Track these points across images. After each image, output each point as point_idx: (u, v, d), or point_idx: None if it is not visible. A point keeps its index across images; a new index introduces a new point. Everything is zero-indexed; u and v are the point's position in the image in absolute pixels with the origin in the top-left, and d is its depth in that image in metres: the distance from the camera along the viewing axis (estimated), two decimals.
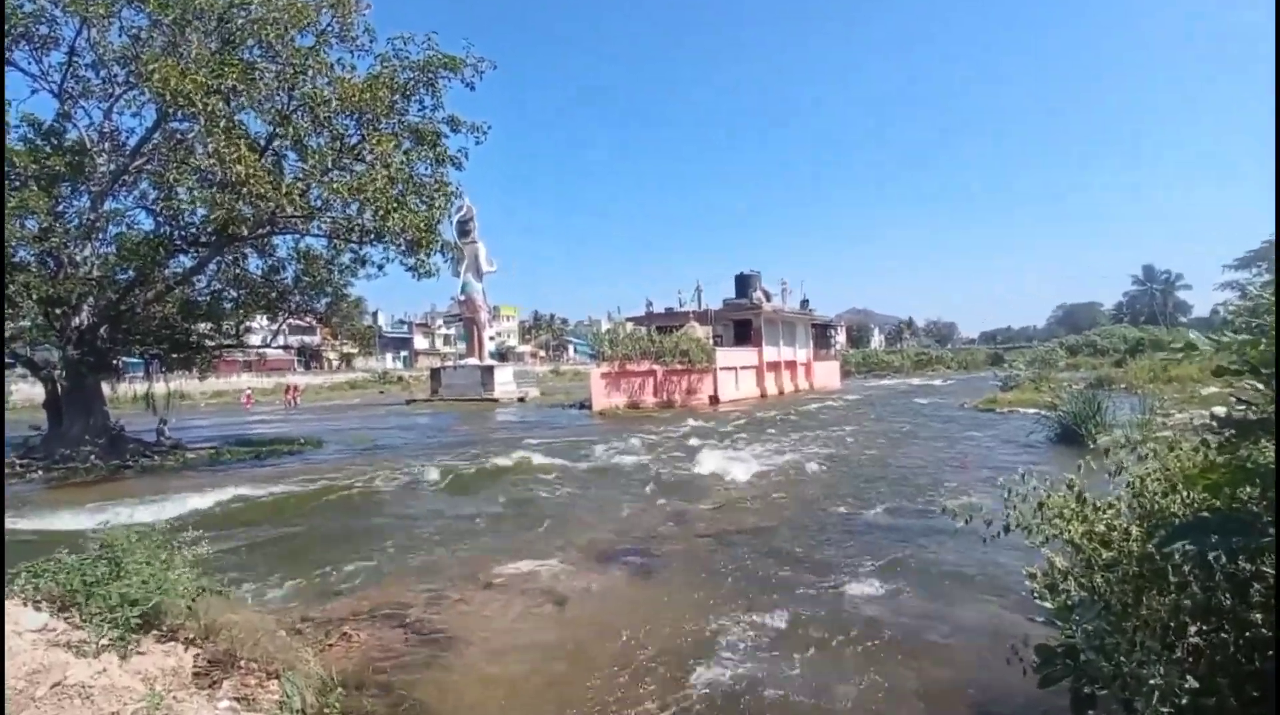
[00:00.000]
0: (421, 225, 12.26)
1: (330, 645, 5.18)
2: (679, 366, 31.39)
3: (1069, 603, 2.81)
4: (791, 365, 42.38)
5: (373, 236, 12.85)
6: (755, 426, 20.81)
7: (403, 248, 13.04)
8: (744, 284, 41.52)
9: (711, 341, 34.79)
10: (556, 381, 72.35)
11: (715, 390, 32.68)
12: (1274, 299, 2.32)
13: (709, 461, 13.46)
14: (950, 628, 5.26)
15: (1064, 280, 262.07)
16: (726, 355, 34.72)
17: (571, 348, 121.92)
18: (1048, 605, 2.90)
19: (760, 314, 38.44)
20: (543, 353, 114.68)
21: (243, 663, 4.14)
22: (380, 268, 14.91)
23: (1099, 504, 3.08)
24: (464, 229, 40.73)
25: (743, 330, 39.27)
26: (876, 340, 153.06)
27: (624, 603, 6.10)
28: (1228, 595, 2.33)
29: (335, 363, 66.34)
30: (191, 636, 4.22)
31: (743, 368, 36.31)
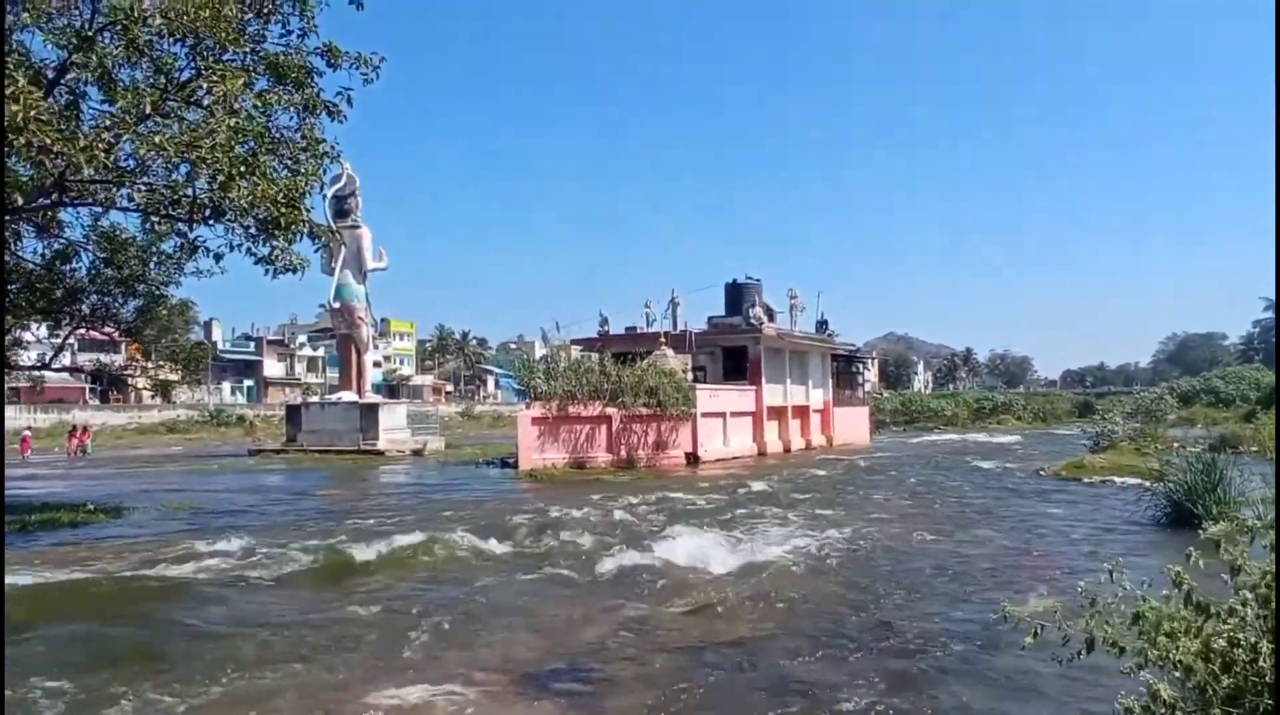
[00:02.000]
0: (280, 198, 12.11)
1: None
2: (643, 411, 31.44)
3: None
4: (802, 412, 42.80)
5: (209, 212, 12.66)
6: (749, 499, 20.89)
7: (252, 230, 12.88)
8: (737, 297, 41.93)
9: (690, 377, 34.98)
10: (469, 427, 71.96)
11: (695, 445, 32.80)
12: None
13: (682, 547, 13.41)
14: None
15: (1176, 303, 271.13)
16: (711, 396, 34.93)
17: (492, 381, 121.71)
18: None
19: (760, 339, 38.83)
20: (450, 387, 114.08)
21: None
22: (218, 259, 14.61)
23: (1218, 611, 3.13)
24: (342, 208, 40.63)
25: (735, 361, 39.58)
26: (921, 379, 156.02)
27: None
28: None
29: (147, 395, 65.02)
30: None
31: (734, 414, 36.56)
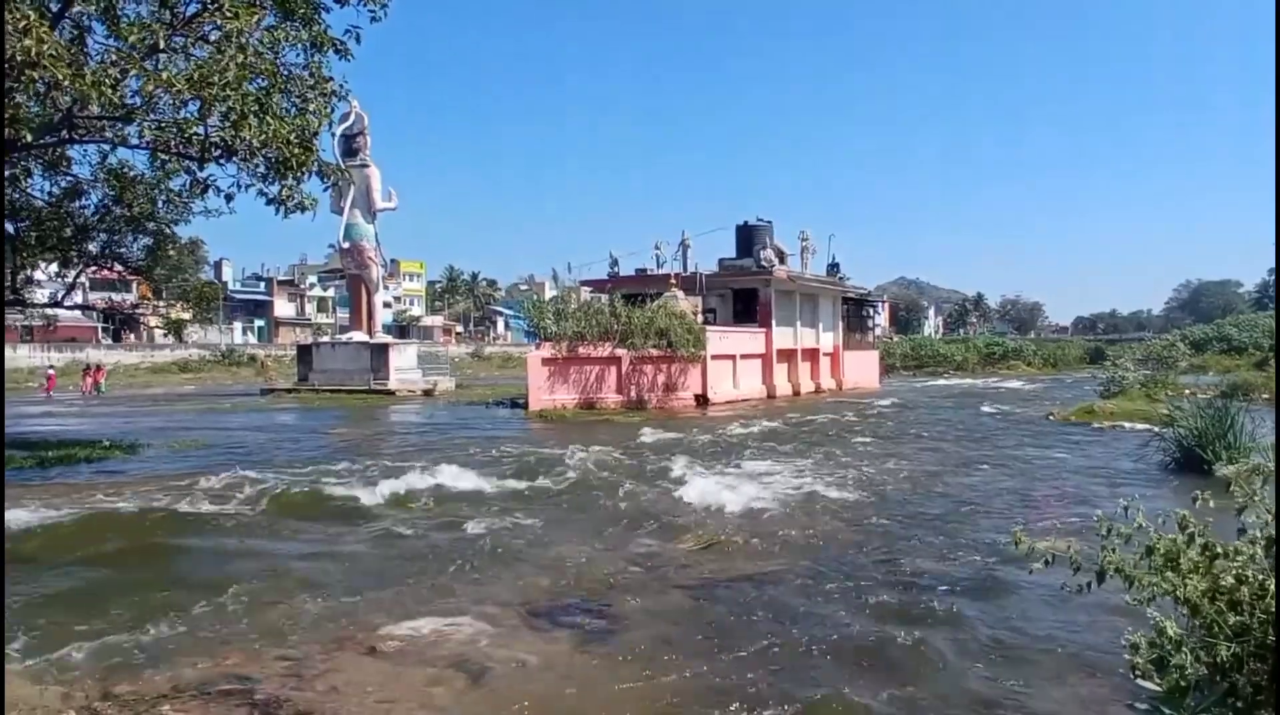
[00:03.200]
0: (291, 137, 12.05)
1: None
2: (653, 352, 31.49)
3: (1183, 683, 2.89)
4: (812, 355, 42.83)
5: (219, 151, 12.60)
6: (759, 439, 21.04)
7: (262, 169, 12.83)
8: (748, 238, 41.70)
9: (701, 318, 34.98)
10: (479, 368, 72.31)
11: (704, 387, 32.90)
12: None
13: (691, 486, 13.59)
14: None
15: (1190, 249, 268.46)
16: (721, 338, 34.95)
17: (502, 322, 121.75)
18: (1154, 686, 2.97)
19: (770, 281, 38.72)
20: (460, 328, 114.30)
21: None
22: (229, 198, 14.55)
23: (1226, 550, 3.16)
24: (351, 146, 40.42)
25: (745, 303, 39.53)
26: (932, 324, 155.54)
27: (567, 681, 6.13)
28: None
29: (159, 334, 65.34)
30: None
31: (744, 356, 36.60)
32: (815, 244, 44.64)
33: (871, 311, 54.48)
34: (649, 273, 40.67)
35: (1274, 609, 2.85)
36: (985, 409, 31.63)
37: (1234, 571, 3.04)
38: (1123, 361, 35.16)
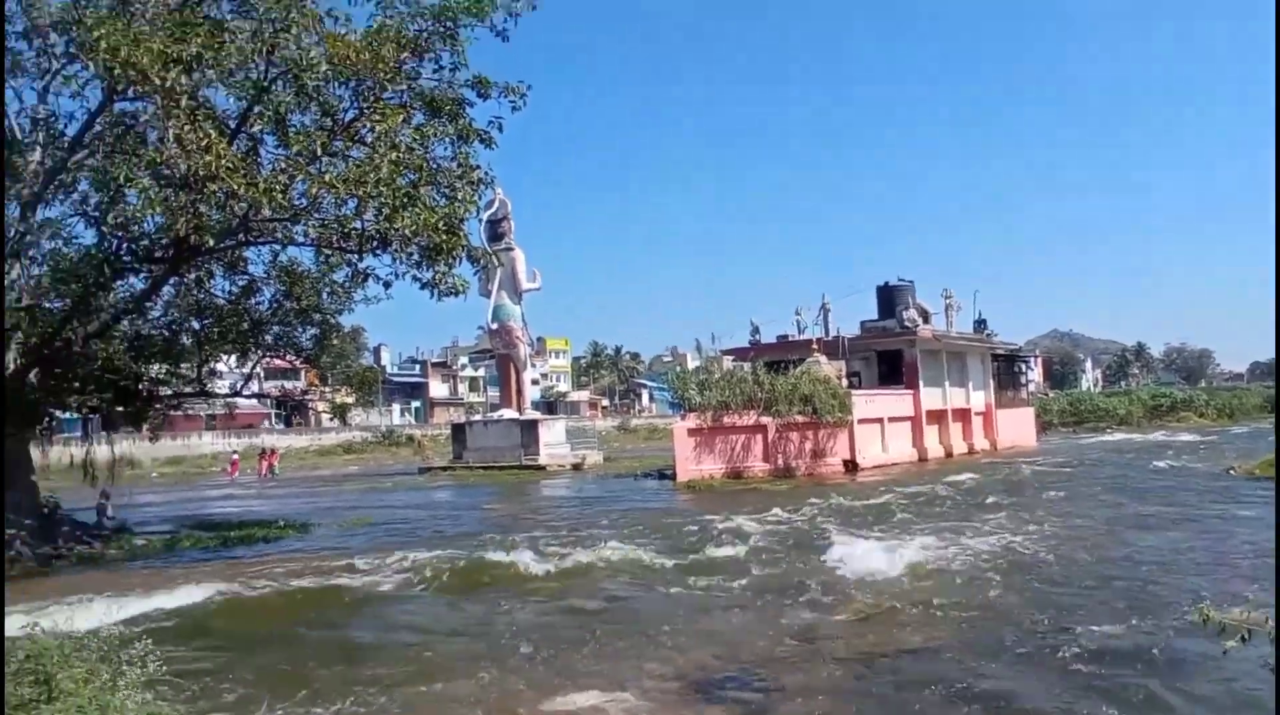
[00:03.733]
0: (440, 225, 12.68)
1: None
2: (799, 419, 31.06)
3: None
4: (963, 415, 41.34)
5: (376, 243, 13.36)
6: (911, 504, 20.36)
7: (415, 257, 13.51)
8: (889, 299, 40.96)
9: (845, 382, 34.37)
10: (626, 441, 72.79)
11: (852, 452, 32.16)
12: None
13: (846, 555, 13.25)
14: None
15: None
16: (867, 402, 34.21)
17: (646, 394, 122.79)
18: None
19: (915, 341, 37.77)
20: (605, 402, 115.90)
21: None
22: (386, 286, 15.40)
23: None
24: (496, 231, 41.96)
25: (890, 365, 38.65)
26: (1089, 377, 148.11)
27: None
28: None
29: (325, 418, 68.82)
30: None
31: (891, 419, 35.66)
32: (959, 301, 43.37)
33: (1023, 367, 52.34)
34: (790, 339, 40.37)
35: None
36: (1157, 464, 29.71)
37: None
38: None
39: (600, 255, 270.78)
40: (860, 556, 13.03)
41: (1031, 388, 57.01)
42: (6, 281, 15.44)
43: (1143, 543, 14.13)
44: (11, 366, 15.88)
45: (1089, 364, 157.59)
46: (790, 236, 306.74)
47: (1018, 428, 46.37)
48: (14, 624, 7.63)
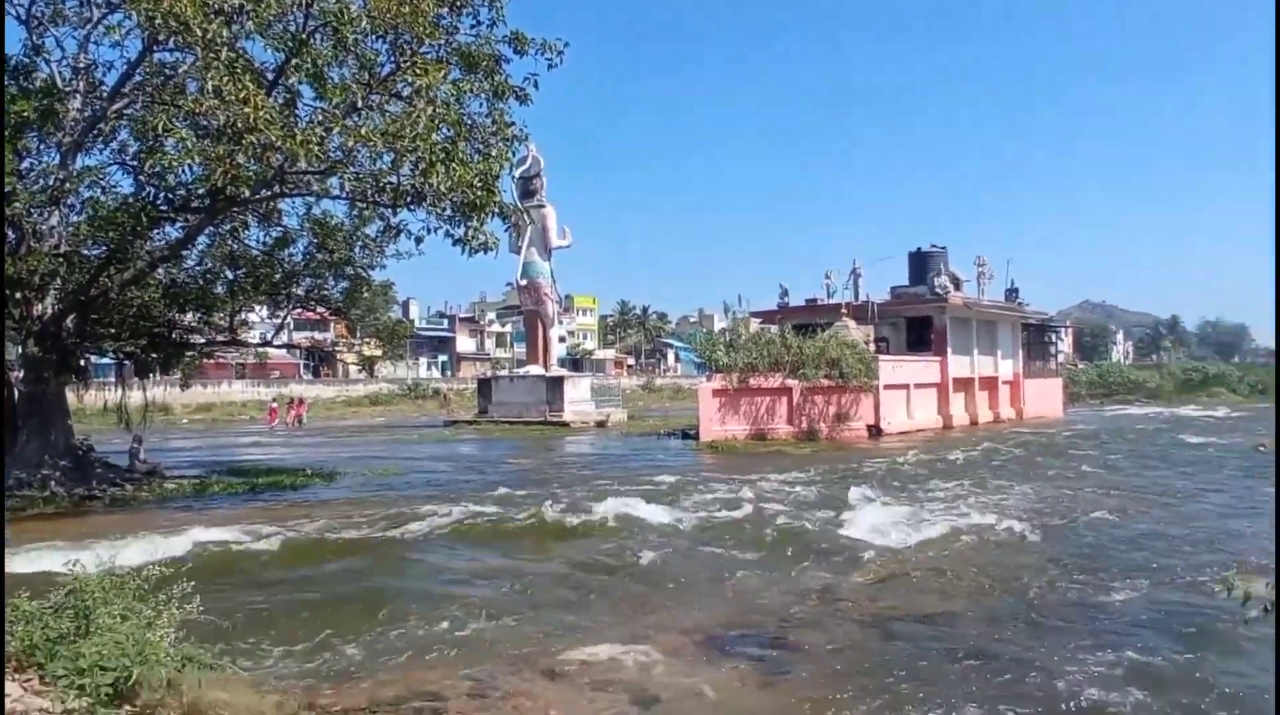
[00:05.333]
0: (476, 182, 12.70)
1: None
2: (825, 383, 31.07)
3: None
4: (990, 383, 41.14)
5: (410, 198, 13.44)
6: (933, 470, 20.40)
7: (449, 212, 13.58)
8: (922, 265, 40.66)
9: (873, 347, 34.27)
10: (650, 400, 73.05)
11: (877, 417, 32.15)
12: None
13: (866, 518, 13.35)
14: None
15: None
16: (894, 368, 34.13)
17: (672, 354, 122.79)
18: None
19: (945, 309, 37.54)
20: (632, 361, 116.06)
21: None
22: (419, 241, 15.54)
23: None
24: (528, 188, 41.90)
25: (919, 332, 38.47)
26: (1120, 350, 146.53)
27: (741, 713, 6.15)
28: None
29: (354, 370, 69.40)
30: None
31: (918, 386, 35.58)
32: (992, 269, 42.96)
33: (1053, 337, 51.89)
34: (819, 302, 40.22)
35: None
36: (1186, 439, 29.53)
37: None
38: None
39: (632, 215, 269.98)
40: (880, 521, 13.14)
41: (1061, 358, 56.49)
42: (46, 227, 15.70)
43: (1167, 514, 14.12)
44: (49, 312, 16.19)
45: (1120, 336, 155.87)
46: (826, 201, 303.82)
47: (1045, 398, 46.09)
48: (56, 560, 7.90)
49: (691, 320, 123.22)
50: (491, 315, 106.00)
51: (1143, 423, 40.08)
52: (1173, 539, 12.15)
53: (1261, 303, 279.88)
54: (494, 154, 13.73)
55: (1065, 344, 64.22)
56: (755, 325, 37.83)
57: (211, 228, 17.24)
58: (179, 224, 16.38)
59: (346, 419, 51.69)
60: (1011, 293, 44.70)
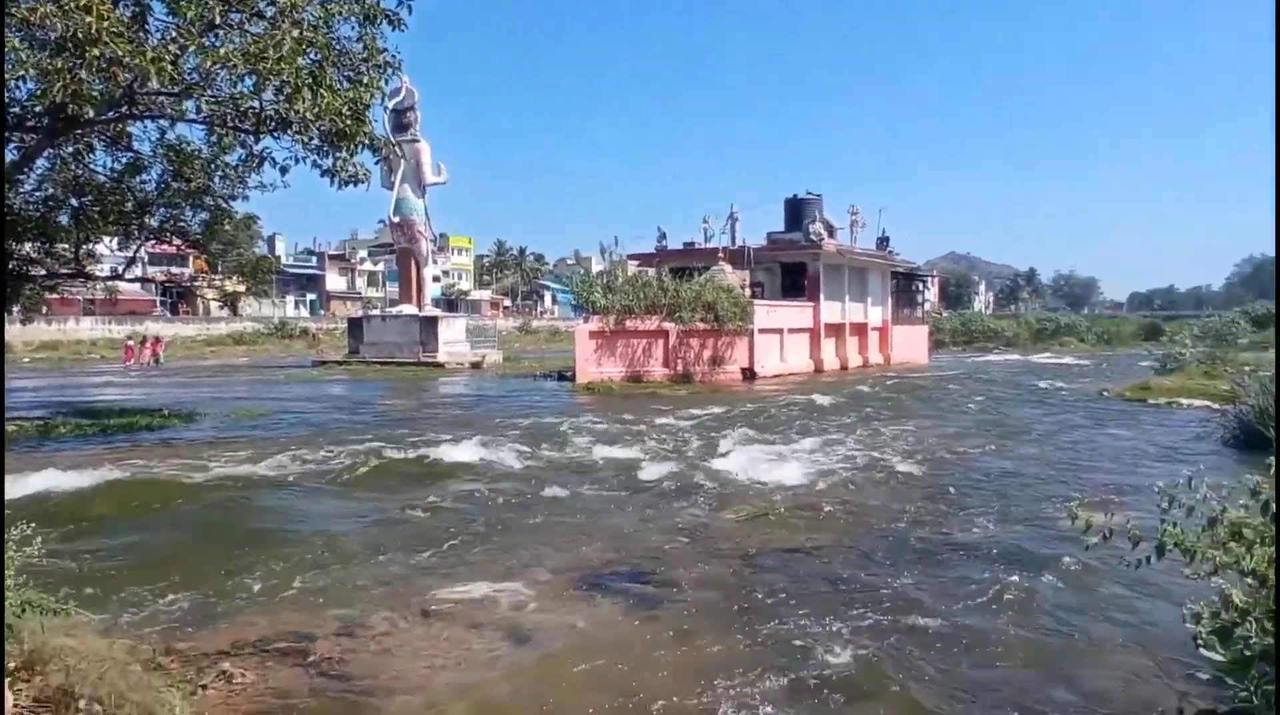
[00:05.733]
0: (345, 110, 12.18)
1: (205, 687, 5.30)
2: (701, 326, 31.46)
3: (1247, 653, 2.86)
4: (860, 329, 42.46)
5: (274, 125, 12.78)
6: (806, 412, 20.96)
7: (316, 142, 13.00)
8: (797, 212, 41.36)
9: (748, 292, 34.82)
10: (527, 342, 72.73)
11: (751, 361, 32.80)
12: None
13: (738, 459, 13.61)
14: (1077, 690, 5.36)
15: (1252, 223, 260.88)
16: (769, 312, 34.77)
17: (550, 296, 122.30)
18: (1217, 657, 2.95)
19: (819, 255, 38.38)
20: (508, 303, 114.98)
21: (82, 704, 4.23)
22: (284, 171, 14.77)
23: None
24: (401, 121, 40.61)
25: (793, 277, 39.25)
26: (982, 299, 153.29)
27: (617, 646, 6.21)
28: None
29: (215, 307, 66.58)
30: (13, 666, 4.31)
31: (791, 331, 36.40)
32: (865, 218, 44.11)
33: (921, 286, 53.78)
34: (696, 246, 40.50)
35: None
36: (1038, 384, 31.18)
37: None
38: (1180, 338, 34.40)
39: (510, 155, 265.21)
40: (752, 461, 13.42)
41: (927, 306, 58.63)
42: None
43: (1020, 456, 14.86)
44: None
45: (983, 287, 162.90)
46: (703, 148, 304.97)
47: (912, 344, 47.90)
48: None
49: (569, 262, 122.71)
50: (363, 253, 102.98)
51: (1001, 369, 42.19)
52: (1028, 475, 12.82)
53: (1107, 258, 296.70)
54: (365, 82, 13.14)
55: (932, 293, 66.49)
56: (632, 268, 37.89)
57: (51, 150, 16.00)
58: (13, 145, 15.17)
59: (207, 358, 49.67)
60: (883, 241, 45.98)
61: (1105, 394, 25.94)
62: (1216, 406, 16.73)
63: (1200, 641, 3.12)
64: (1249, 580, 2.97)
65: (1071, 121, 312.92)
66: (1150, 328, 77.58)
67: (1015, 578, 7.55)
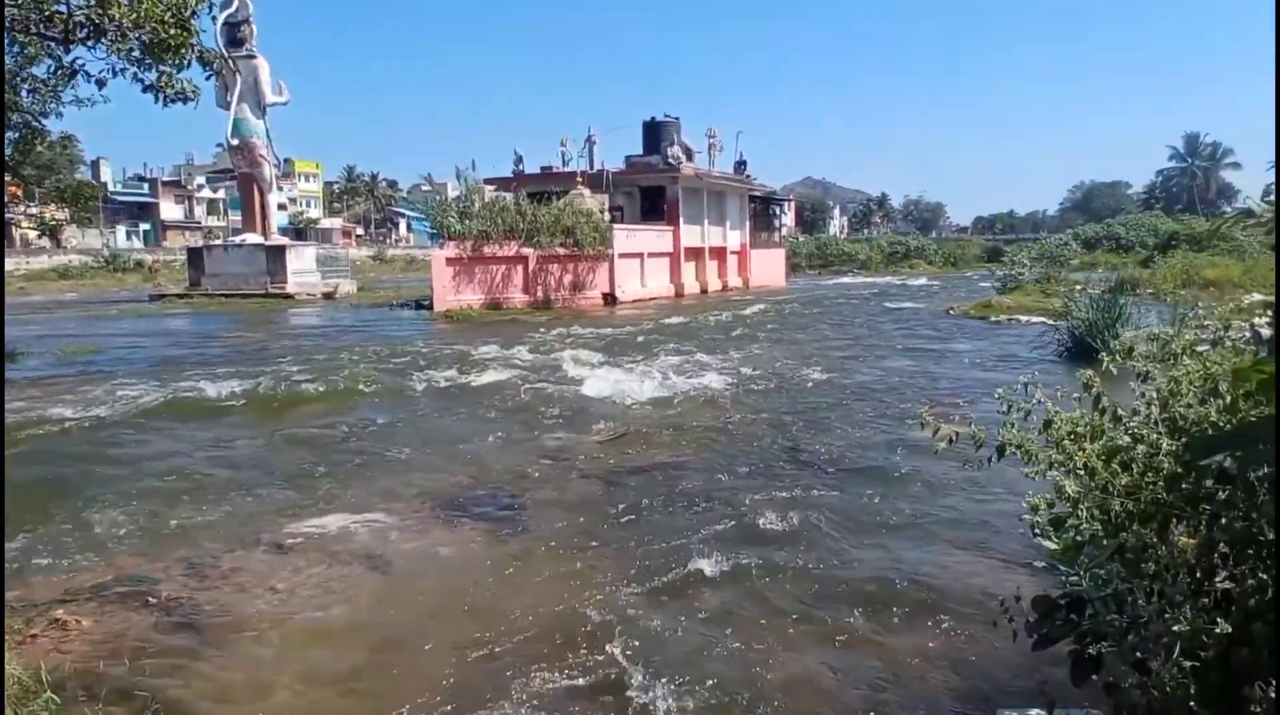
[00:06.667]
0: (168, 16, 11.28)
1: (34, 636, 5.02)
2: (560, 251, 31.28)
3: (1077, 539, 3.02)
4: (719, 253, 43.09)
5: (86, 32, 11.74)
6: (666, 336, 21.18)
7: (136, 53, 12.01)
8: (655, 135, 41.32)
9: (608, 216, 34.71)
10: (382, 271, 70.83)
11: (612, 285, 32.89)
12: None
13: (600, 382, 13.68)
14: (922, 585, 5.63)
15: (1083, 152, 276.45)
16: (628, 237, 34.82)
17: (404, 224, 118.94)
18: (1051, 544, 3.10)
19: (678, 178, 38.52)
20: (360, 231, 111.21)
21: None
22: (101, 85, 13.62)
23: (1121, 414, 3.28)
24: (235, 35, 38.19)
25: (652, 201, 39.35)
26: (837, 224, 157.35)
27: (480, 567, 6.17)
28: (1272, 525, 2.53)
29: (33, 237, 61.93)
30: None
31: (651, 255, 36.60)
32: (722, 141, 44.51)
33: (778, 210, 54.80)
34: (554, 170, 40.03)
35: (1165, 461, 2.97)
36: (889, 305, 32.44)
37: (1130, 431, 3.16)
38: (1019, 259, 36.40)
39: (357, 74, 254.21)
40: (613, 383, 13.51)
41: (784, 231, 59.87)
42: None
43: (871, 371, 15.44)
44: None
45: (837, 211, 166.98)
46: (559, 70, 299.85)
47: (769, 268, 48.97)
48: None
49: (424, 188, 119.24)
50: (201, 179, 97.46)
51: (856, 291, 43.70)
52: (881, 389, 13.33)
53: (953, 184, 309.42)
54: None
55: (789, 217, 67.80)
56: (490, 193, 37.15)
57: None
58: None
59: (29, 294, 46.26)
60: (740, 165, 46.49)
61: (950, 313, 27.19)
62: (1050, 322, 17.85)
63: (1036, 531, 3.27)
64: (1081, 473, 3.12)
65: (923, 53, 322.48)
66: (992, 250, 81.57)
67: (865, 485, 7.88)
